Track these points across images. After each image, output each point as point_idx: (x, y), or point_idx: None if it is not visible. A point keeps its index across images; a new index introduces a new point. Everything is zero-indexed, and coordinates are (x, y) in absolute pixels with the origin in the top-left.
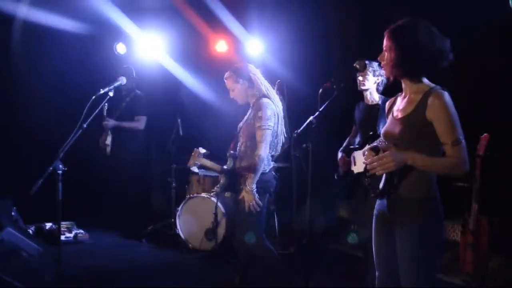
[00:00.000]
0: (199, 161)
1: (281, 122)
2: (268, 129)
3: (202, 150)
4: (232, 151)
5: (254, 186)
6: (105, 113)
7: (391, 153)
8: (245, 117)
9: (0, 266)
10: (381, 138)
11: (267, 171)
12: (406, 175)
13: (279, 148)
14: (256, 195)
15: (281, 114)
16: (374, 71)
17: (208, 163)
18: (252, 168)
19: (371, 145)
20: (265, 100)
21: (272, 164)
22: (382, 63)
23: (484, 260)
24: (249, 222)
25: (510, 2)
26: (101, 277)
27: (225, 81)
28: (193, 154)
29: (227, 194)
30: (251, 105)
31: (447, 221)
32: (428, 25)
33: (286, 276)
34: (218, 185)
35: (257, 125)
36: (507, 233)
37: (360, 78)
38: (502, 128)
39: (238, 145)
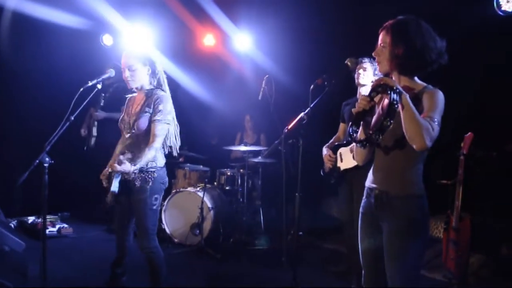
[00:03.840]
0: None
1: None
2: (167, 123)
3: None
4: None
5: (138, 168)
6: (102, 104)
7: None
8: (133, 107)
9: None
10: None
11: (162, 165)
12: (393, 173)
13: (169, 145)
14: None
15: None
16: (375, 69)
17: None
18: (142, 155)
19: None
20: (163, 93)
21: (164, 160)
22: (378, 58)
23: (465, 257)
24: (150, 222)
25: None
26: (86, 272)
27: (127, 58)
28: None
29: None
30: (144, 94)
31: (431, 218)
32: (428, 25)
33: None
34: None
35: (156, 118)
36: (488, 230)
37: (360, 71)
38: (485, 127)
39: (126, 138)
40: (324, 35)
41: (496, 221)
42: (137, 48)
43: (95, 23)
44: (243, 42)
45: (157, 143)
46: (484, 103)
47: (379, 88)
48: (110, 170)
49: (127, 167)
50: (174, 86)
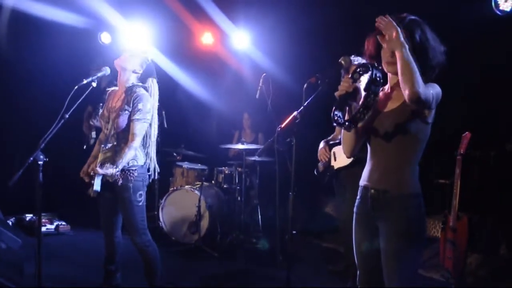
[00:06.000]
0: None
1: (156, 114)
2: (146, 122)
3: None
4: (103, 145)
5: (120, 169)
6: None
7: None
8: (113, 102)
9: None
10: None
11: (143, 164)
12: (390, 172)
13: (150, 141)
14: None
15: (156, 105)
16: None
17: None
18: (122, 155)
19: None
20: (143, 91)
21: (145, 157)
22: (392, 59)
23: (463, 256)
24: (138, 218)
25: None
26: (83, 269)
27: (132, 48)
28: None
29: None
30: (123, 91)
31: (428, 218)
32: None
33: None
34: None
35: (136, 117)
36: (485, 230)
37: None
38: (482, 127)
39: (106, 137)
40: (322, 34)
41: (493, 220)
42: (140, 47)
43: (93, 21)
44: (241, 41)
45: (137, 142)
46: (482, 103)
47: (359, 68)
48: (91, 172)
49: (109, 170)
50: (173, 85)
